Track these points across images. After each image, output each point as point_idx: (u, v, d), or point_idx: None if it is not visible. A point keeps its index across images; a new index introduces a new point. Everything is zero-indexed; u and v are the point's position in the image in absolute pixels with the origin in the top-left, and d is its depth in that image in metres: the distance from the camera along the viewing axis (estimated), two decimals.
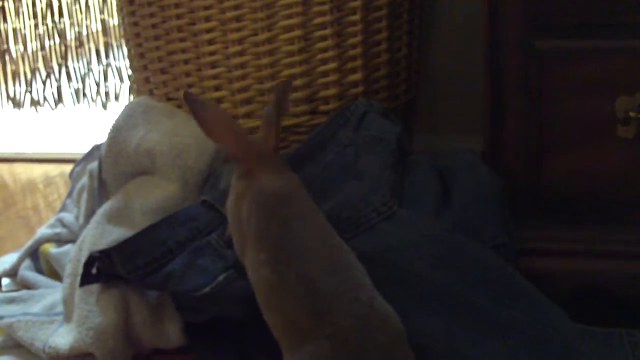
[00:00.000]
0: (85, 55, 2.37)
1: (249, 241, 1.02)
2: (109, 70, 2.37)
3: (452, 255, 1.12)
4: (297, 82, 1.45)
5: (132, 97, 2.32)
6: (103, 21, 2.33)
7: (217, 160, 1.42)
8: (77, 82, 2.40)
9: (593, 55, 1.16)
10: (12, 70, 2.46)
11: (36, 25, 2.38)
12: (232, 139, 1.07)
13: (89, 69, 2.37)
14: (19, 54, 2.43)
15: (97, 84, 2.39)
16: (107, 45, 2.35)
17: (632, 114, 1.15)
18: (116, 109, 2.35)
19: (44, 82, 2.42)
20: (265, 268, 0.97)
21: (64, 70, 2.40)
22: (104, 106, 2.38)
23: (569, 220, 1.20)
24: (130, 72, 2.24)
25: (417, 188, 1.26)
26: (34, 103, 2.44)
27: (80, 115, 2.44)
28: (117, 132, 1.45)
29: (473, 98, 1.39)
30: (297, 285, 0.93)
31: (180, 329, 1.20)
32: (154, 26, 1.52)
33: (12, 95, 2.47)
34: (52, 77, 2.41)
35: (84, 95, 2.40)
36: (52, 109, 2.43)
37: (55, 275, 1.44)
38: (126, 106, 1.52)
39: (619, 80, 1.15)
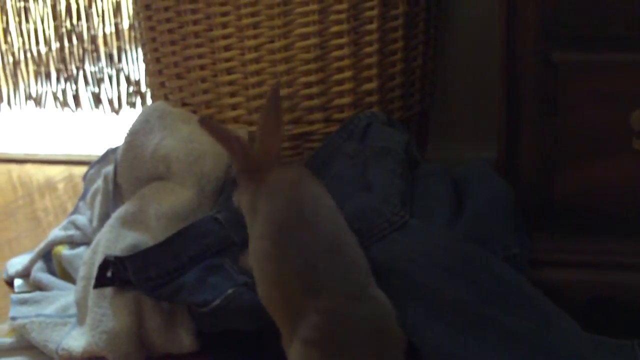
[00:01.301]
0: (101, 59, 2.38)
1: (256, 221, 1.06)
2: (121, 74, 2.37)
3: (464, 265, 1.12)
4: (313, 90, 1.45)
5: (141, 102, 2.33)
6: (116, 25, 2.33)
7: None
8: (94, 85, 2.40)
9: (610, 68, 1.15)
10: (34, 70, 2.47)
11: (57, 27, 2.39)
12: (235, 155, 1.13)
13: (105, 73, 2.38)
14: (41, 54, 2.44)
15: (111, 89, 2.39)
16: (120, 50, 2.35)
17: None
18: (128, 114, 2.36)
19: (66, 83, 2.43)
20: (266, 240, 1.01)
21: (81, 73, 2.40)
22: (116, 111, 2.38)
23: (582, 231, 1.20)
24: (143, 77, 2.25)
25: (429, 197, 1.26)
26: (61, 103, 2.45)
27: (93, 118, 2.44)
28: (134, 136, 1.46)
29: (487, 107, 1.39)
30: (295, 259, 0.97)
31: (193, 334, 1.21)
32: (170, 31, 1.52)
33: (33, 94, 2.48)
34: (72, 79, 2.42)
35: (99, 99, 2.40)
36: (73, 111, 2.44)
37: (68, 277, 1.44)
38: (142, 111, 1.53)
39: (636, 93, 1.15)
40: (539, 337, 1.06)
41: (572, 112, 1.18)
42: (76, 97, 2.42)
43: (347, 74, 1.46)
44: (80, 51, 2.38)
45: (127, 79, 2.36)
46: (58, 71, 2.42)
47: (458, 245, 1.15)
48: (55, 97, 2.45)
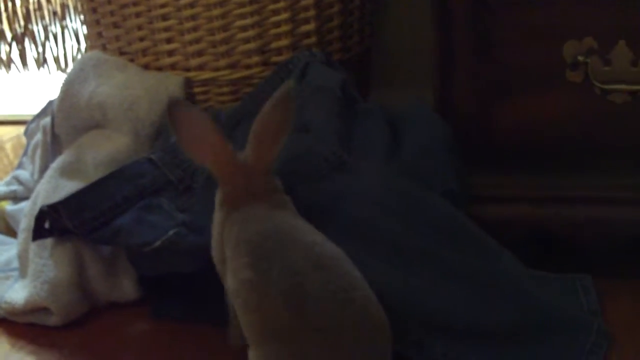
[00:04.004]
0: (44, 19, 2.34)
1: (230, 258, 0.94)
2: (66, 32, 2.34)
3: (402, 202, 1.11)
4: (249, 33, 1.44)
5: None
6: None
7: None
8: (39, 45, 2.36)
9: (541, 1, 1.16)
10: None
11: None
12: (213, 157, 0.96)
13: (49, 32, 2.34)
14: None
15: (57, 47, 2.36)
16: (64, 7, 2.32)
17: (580, 58, 1.15)
18: None
19: (9, 45, 2.39)
20: (246, 270, 0.89)
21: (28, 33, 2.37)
22: (63, 69, 2.35)
23: (520, 166, 1.21)
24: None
25: (367, 136, 1.25)
26: (5, 65, 2.41)
27: (38, 77, 2.41)
28: (69, 86, 1.45)
29: (428, 50, 1.38)
30: (279, 281, 0.86)
31: (135, 281, 1.21)
32: None
33: None
34: (17, 39, 2.38)
35: (45, 59, 2.37)
36: (19, 72, 2.40)
37: (12, 232, 1.43)
38: (77, 61, 1.53)
39: (568, 25, 1.15)
40: (480, 273, 1.06)
41: (506, 47, 1.18)
42: (22, 57, 2.39)
43: (284, 15, 1.44)
44: (24, 10, 2.34)
45: (74, 35, 2.33)
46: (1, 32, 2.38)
47: (395, 182, 1.15)
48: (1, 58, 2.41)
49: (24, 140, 1.90)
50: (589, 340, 1.00)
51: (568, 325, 1.02)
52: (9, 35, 2.38)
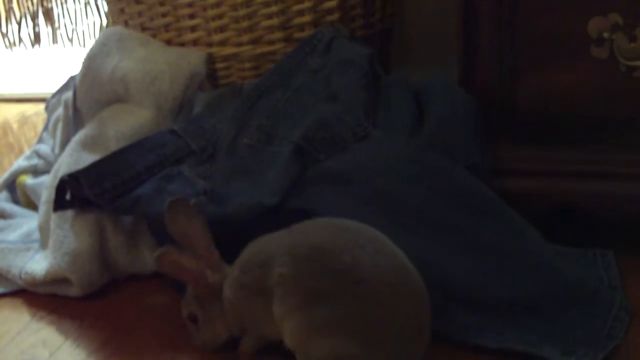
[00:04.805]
0: None
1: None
2: (88, 8, 2.34)
3: (426, 174, 1.12)
4: (272, 9, 1.44)
5: None
6: None
7: (192, 86, 1.42)
8: (55, 22, 2.37)
9: None
10: None
11: None
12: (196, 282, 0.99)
13: (65, 8, 2.35)
14: None
15: (74, 23, 2.36)
16: None
17: (605, 34, 1.15)
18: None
19: (19, 23, 2.39)
20: (279, 268, 0.90)
21: (41, 10, 2.37)
22: (82, 44, 2.36)
23: (543, 140, 1.20)
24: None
25: (391, 109, 1.26)
26: (10, 44, 2.42)
27: (58, 54, 2.42)
28: (91, 60, 1.46)
29: (450, 28, 1.38)
30: (308, 254, 0.88)
31: None
32: None
33: None
34: (28, 17, 2.38)
35: (59, 34, 2.37)
36: (28, 49, 2.41)
37: (32, 206, 1.44)
38: (100, 35, 1.52)
39: (593, 0, 1.14)
40: (502, 245, 1.07)
41: (531, 20, 1.18)
42: (35, 35, 2.39)
43: None
44: None
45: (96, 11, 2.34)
46: (8, 11, 2.39)
47: (419, 154, 1.16)
48: (9, 38, 2.41)
49: (31, 119, 1.91)
50: (610, 315, 1.00)
51: (590, 299, 1.02)
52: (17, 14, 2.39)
